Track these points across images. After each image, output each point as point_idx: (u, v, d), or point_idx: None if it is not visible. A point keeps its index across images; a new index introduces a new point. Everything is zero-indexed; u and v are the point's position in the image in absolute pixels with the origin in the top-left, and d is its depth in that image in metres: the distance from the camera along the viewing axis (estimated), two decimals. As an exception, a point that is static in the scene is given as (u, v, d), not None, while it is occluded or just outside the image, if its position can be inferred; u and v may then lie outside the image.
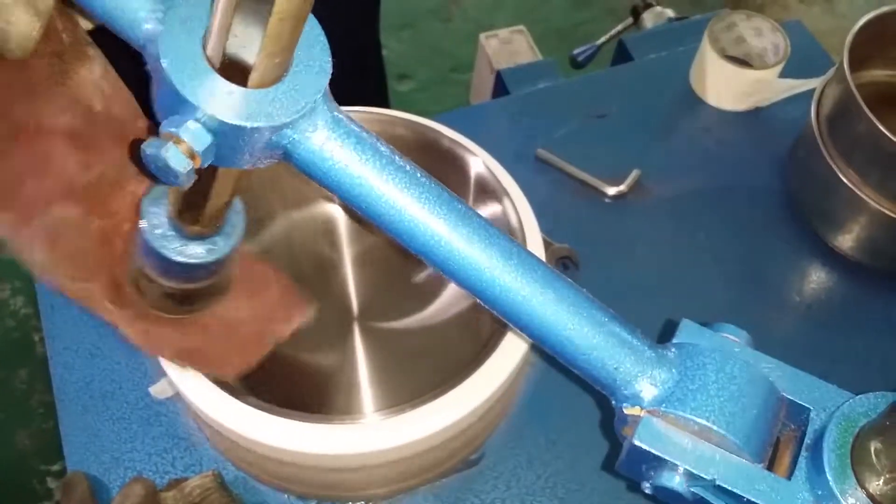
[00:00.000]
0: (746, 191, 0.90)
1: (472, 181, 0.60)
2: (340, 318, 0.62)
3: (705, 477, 0.33)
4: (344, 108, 0.59)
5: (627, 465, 0.38)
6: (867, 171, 0.78)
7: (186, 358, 0.53)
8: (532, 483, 0.71)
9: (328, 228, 0.65)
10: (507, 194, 0.58)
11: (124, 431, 0.72)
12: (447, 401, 0.50)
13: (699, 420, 0.34)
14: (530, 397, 0.72)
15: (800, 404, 0.35)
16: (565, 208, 0.87)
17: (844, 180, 0.79)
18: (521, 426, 0.72)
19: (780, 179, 0.90)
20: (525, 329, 0.41)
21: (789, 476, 0.33)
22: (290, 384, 0.56)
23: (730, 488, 0.33)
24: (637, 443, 0.36)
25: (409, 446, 0.50)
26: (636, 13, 1.17)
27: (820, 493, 0.31)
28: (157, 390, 0.73)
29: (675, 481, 0.34)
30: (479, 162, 0.59)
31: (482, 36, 1.14)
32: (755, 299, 0.83)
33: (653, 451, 0.35)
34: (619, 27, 1.18)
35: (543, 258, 0.57)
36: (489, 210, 0.60)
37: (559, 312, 0.39)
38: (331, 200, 0.65)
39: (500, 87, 0.98)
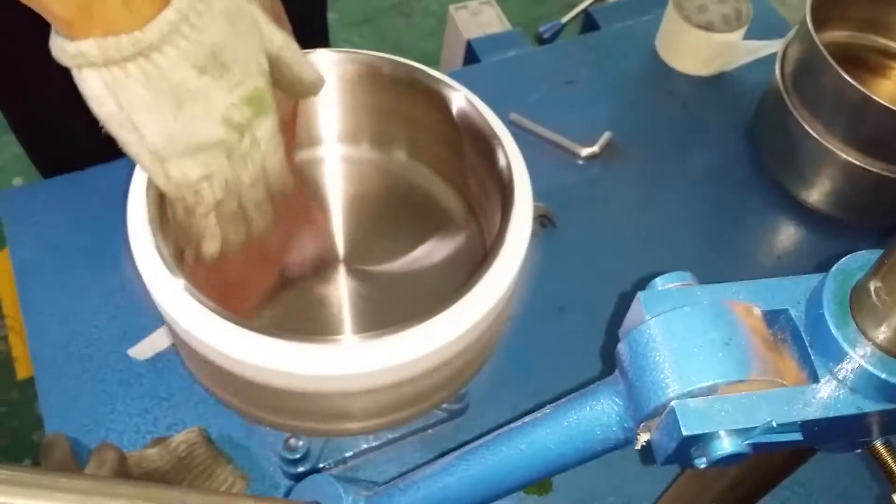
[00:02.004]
0: (714, 150, 0.92)
1: (459, 118, 0.60)
2: (327, 261, 0.62)
3: (761, 424, 0.31)
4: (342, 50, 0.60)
5: (676, 457, 0.33)
6: (833, 123, 0.80)
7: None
8: (517, 431, 0.71)
9: (317, 172, 0.66)
10: (496, 135, 0.59)
11: (103, 393, 0.71)
12: (426, 328, 0.50)
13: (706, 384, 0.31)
14: (514, 349, 0.72)
15: (776, 310, 0.34)
16: (540, 170, 0.86)
17: (811, 132, 0.81)
18: (505, 377, 0.73)
19: (747, 139, 0.92)
20: (538, 473, 0.41)
21: (816, 380, 0.32)
22: (271, 318, 0.56)
23: (786, 421, 0.31)
24: (688, 433, 0.31)
25: (388, 371, 0.50)
26: (600, -10, 1.19)
27: (832, 364, 0.31)
28: (137, 352, 0.72)
29: (735, 444, 0.31)
30: (462, 97, 0.60)
31: (451, 7, 1.15)
32: (726, 253, 0.85)
33: (706, 431, 0.31)
34: (585, 4, 1.20)
35: (531, 202, 0.58)
36: (481, 156, 0.60)
37: (532, 451, 0.39)
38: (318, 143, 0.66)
39: (471, 56, 0.99)
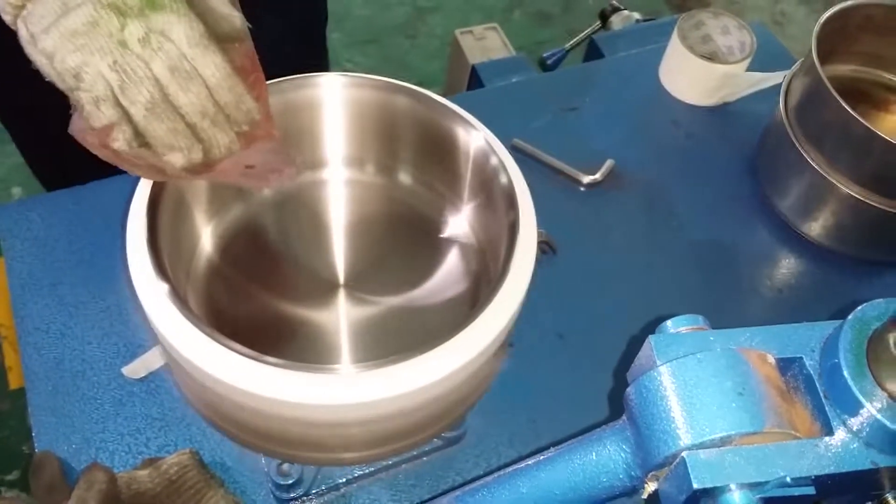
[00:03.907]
0: (716, 181, 0.92)
1: (465, 145, 0.60)
2: (326, 285, 0.61)
3: (774, 479, 0.30)
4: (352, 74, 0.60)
5: None
6: (836, 157, 0.80)
7: None
8: (513, 461, 0.70)
9: (320, 195, 0.65)
10: (506, 170, 0.58)
11: (95, 412, 0.70)
12: (423, 361, 0.50)
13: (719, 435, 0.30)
14: (512, 375, 0.72)
15: (789, 358, 0.34)
16: (541, 196, 0.87)
17: (814, 165, 0.81)
18: (502, 404, 0.72)
19: (749, 170, 0.92)
20: None
21: (830, 432, 0.31)
22: (267, 343, 0.55)
23: (799, 475, 0.30)
24: (699, 486, 0.30)
25: (383, 403, 0.49)
26: (604, 17, 1.19)
27: (847, 416, 0.30)
28: (130, 370, 0.71)
29: (746, 498, 0.30)
30: (469, 126, 0.59)
31: (457, 32, 1.15)
32: (727, 285, 0.84)
33: (717, 484, 0.30)
34: (588, 31, 1.20)
35: (535, 233, 0.57)
36: (487, 186, 0.60)
37: (535, 495, 0.39)
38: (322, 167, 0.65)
39: (476, 81, 0.99)
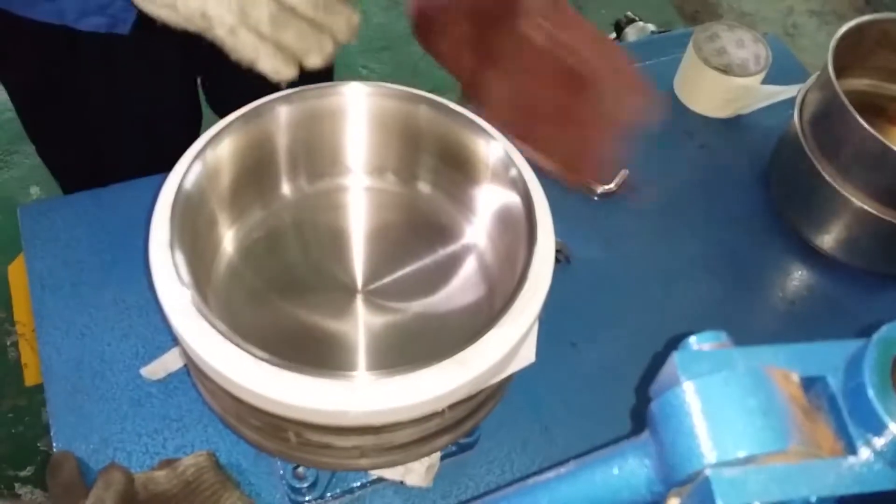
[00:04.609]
0: (729, 192, 0.92)
1: (483, 155, 0.61)
2: (344, 291, 0.62)
3: (797, 498, 0.30)
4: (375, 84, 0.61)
5: None
6: (850, 171, 0.80)
7: None
8: (527, 468, 0.71)
9: (340, 202, 0.66)
10: (524, 180, 0.59)
11: (114, 412, 0.71)
12: (439, 370, 0.50)
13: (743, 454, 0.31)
14: (525, 383, 0.72)
15: (813, 377, 0.34)
16: (555, 205, 0.88)
17: (828, 179, 0.81)
18: (516, 411, 0.73)
19: (762, 182, 0.93)
20: None
21: (854, 451, 0.31)
22: (285, 348, 0.56)
23: (823, 495, 0.30)
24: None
25: (398, 411, 0.50)
26: (619, 28, 1.20)
27: (871, 436, 0.31)
28: (149, 371, 0.72)
29: None
30: (500, 147, 0.60)
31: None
32: (739, 296, 0.85)
33: (741, 503, 0.30)
34: (603, 40, 1.20)
35: (553, 242, 0.58)
36: (505, 196, 0.60)
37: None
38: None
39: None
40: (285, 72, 0.55)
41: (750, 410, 0.31)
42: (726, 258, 0.87)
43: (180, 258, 0.52)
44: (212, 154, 0.57)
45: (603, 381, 0.76)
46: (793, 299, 0.85)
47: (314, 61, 0.55)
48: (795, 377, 0.33)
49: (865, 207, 0.80)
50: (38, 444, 1.42)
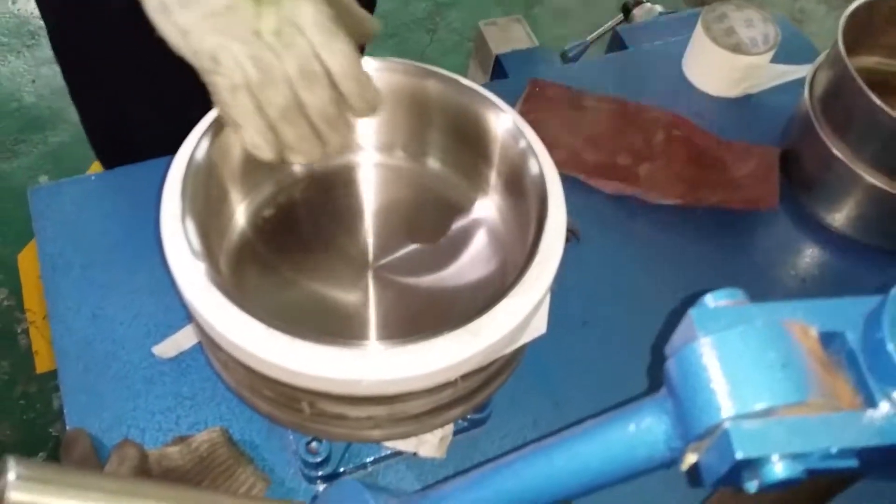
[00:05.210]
0: (740, 172, 0.92)
1: (494, 129, 0.61)
2: (355, 266, 0.62)
3: (818, 450, 0.30)
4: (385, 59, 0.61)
5: (725, 479, 0.32)
6: (862, 147, 0.80)
7: None
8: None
9: (351, 178, 0.66)
10: (534, 152, 0.59)
11: (126, 390, 0.71)
12: (451, 339, 0.50)
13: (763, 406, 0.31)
14: (536, 361, 0.72)
15: (831, 332, 0.34)
16: (565, 184, 0.88)
17: (839, 156, 0.81)
18: (527, 388, 0.73)
19: (773, 161, 0.92)
20: (575, 490, 0.40)
21: (874, 404, 0.31)
22: (297, 321, 0.56)
23: (844, 446, 0.30)
24: (742, 456, 0.30)
25: (411, 380, 0.50)
26: (627, 10, 1.20)
27: (891, 389, 0.31)
28: (161, 350, 0.72)
29: (789, 469, 0.30)
30: (509, 119, 0.60)
31: (481, 23, 1.16)
32: (750, 274, 0.85)
33: (760, 454, 0.30)
34: (610, 23, 1.20)
35: (565, 212, 0.58)
36: (515, 169, 0.60)
37: (571, 467, 0.39)
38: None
39: (499, 71, 0.99)
40: (263, 153, 0.54)
41: (769, 363, 0.31)
42: (737, 236, 0.87)
43: (191, 228, 0.52)
44: (222, 127, 0.57)
45: (614, 358, 0.76)
46: (804, 277, 0.85)
47: (297, 160, 0.54)
48: (814, 332, 0.33)
49: (877, 184, 0.80)
50: (50, 430, 1.43)
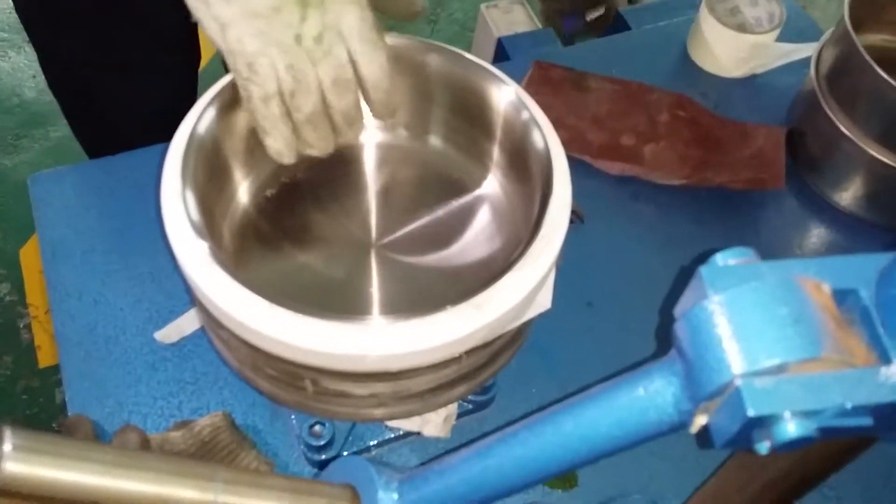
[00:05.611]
0: (746, 152, 0.91)
1: (498, 105, 0.60)
2: (358, 244, 0.62)
3: (831, 407, 0.29)
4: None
5: (736, 440, 0.32)
6: (869, 124, 0.79)
7: None
8: (544, 426, 0.70)
9: (353, 157, 0.65)
10: (538, 125, 0.58)
11: (128, 376, 0.70)
12: (455, 313, 0.49)
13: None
14: (541, 342, 0.72)
15: (845, 290, 0.33)
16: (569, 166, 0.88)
17: (847, 133, 0.80)
18: (532, 370, 0.72)
19: (779, 141, 0.91)
20: (584, 456, 0.39)
21: (888, 361, 0.31)
22: (300, 300, 0.55)
23: (858, 403, 0.29)
24: (754, 413, 0.29)
25: (415, 355, 0.49)
26: (629, -7, 1.18)
27: None
28: (163, 335, 0.72)
29: (802, 427, 0.30)
30: (512, 91, 0.59)
31: (482, 6, 1.15)
32: (757, 252, 0.84)
33: (773, 412, 0.30)
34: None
35: (570, 187, 0.57)
36: (519, 142, 0.59)
37: (579, 433, 0.38)
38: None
39: (501, 54, 0.98)
40: (285, 159, 0.54)
41: (781, 319, 0.30)
42: (743, 216, 0.86)
43: (193, 204, 0.51)
44: (225, 102, 0.56)
45: (619, 339, 0.75)
46: (811, 256, 0.84)
47: (310, 154, 0.55)
48: (827, 288, 0.32)
49: (885, 160, 0.79)
50: (53, 425, 1.42)
